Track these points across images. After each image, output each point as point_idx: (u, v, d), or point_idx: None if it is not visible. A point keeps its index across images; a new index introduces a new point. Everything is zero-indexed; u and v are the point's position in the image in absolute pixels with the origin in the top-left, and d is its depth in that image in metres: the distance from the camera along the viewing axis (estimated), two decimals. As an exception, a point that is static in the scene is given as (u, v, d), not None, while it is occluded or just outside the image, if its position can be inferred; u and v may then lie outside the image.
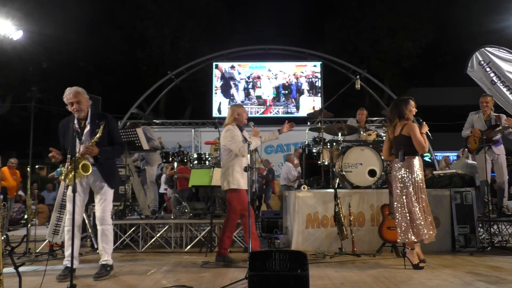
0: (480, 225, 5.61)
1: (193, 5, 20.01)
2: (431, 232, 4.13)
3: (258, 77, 13.44)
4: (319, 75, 13.38)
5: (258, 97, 13.37)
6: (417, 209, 4.13)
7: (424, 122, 4.33)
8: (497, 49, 6.31)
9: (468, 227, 5.29)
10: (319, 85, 13.26)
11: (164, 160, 6.60)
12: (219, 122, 11.30)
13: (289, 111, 13.35)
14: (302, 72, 13.43)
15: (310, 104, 12.99)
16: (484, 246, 5.24)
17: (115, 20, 19.50)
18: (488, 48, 6.37)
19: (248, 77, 13.50)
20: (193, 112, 20.90)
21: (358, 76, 6.79)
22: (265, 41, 14.37)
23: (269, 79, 13.38)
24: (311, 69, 13.40)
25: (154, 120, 13.73)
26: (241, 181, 4.44)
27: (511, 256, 4.85)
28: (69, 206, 3.96)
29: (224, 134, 4.55)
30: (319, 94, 13.21)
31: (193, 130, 12.87)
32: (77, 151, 3.91)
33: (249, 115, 12.78)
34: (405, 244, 4.25)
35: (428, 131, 4.30)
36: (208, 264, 4.50)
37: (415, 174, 4.20)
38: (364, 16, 21.12)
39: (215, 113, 13.43)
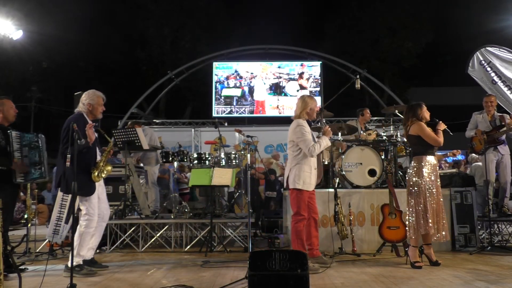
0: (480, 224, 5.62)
1: (193, 5, 20.00)
2: (438, 235, 4.18)
3: (227, 77, 13.51)
4: (285, 76, 13.47)
5: (226, 97, 13.43)
6: (425, 209, 4.20)
7: (441, 121, 4.40)
8: (497, 48, 6.31)
9: (468, 226, 5.29)
10: (283, 85, 13.40)
11: (164, 160, 6.59)
12: (219, 122, 11.37)
13: (254, 109, 13.44)
14: (267, 73, 13.53)
15: (274, 103, 13.19)
16: (484, 246, 5.24)
17: (115, 20, 19.50)
18: (488, 48, 6.37)
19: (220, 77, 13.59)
20: (193, 112, 20.90)
21: (358, 76, 6.78)
22: (265, 41, 14.38)
23: (262, 80, 13.47)
24: (275, 69, 13.50)
25: (154, 120, 13.72)
26: (307, 181, 4.21)
27: (511, 256, 4.85)
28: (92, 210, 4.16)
29: (294, 129, 4.27)
30: (283, 94, 13.31)
31: (193, 130, 12.85)
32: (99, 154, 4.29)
33: (216, 115, 13.05)
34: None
35: (447, 128, 4.42)
36: (208, 264, 4.50)
37: (422, 175, 4.26)
38: (364, 16, 21.12)
39: (214, 113, 13.43)
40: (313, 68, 13.52)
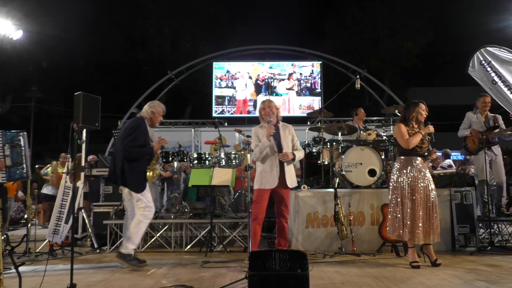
0: (480, 224, 5.61)
1: (193, 5, 20.02)
2: (409, 235, 4.11)
3: (215, 77, 13.59)
4: (276, 76, 13.53)
5: (218, 97, 13.49)
6: (398, 210, 4.18)
7: (431, 126, 4.31)
8: (497, 48, 6.31)
9: (468, 226, 5.29)
10: (275, 85, 13.49)
11: (164, 160, 6.59)
12: (219, 122, 11.37)
13: (247, 109, 13.56)
14: (259, 73, 13.59)
15: None
16: (484, 246, 5.24)
17: (115, 20, 19.53)
18: (489, 48, 6.36)
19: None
20: (193, 112, 20.93)
21: (358, 76, 6.79)
22: (265, 41, 14.41)
23: (244, 79, 13.55)
24: (267, 70, 13.56)
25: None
26: (263, 181, 4.42)
27: (511, 256, 4.85)
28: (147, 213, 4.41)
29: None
30: (275, 93, 13.37)
31: (193, 129, 12.87)
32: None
33: (216, 115, 13.05)
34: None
35: (432, 134, 4.31)
36: (208, 264, 4.50)
37: (400, 176, 4.22)
38: (364, 16, 21.14)
39: (214, 113, 13.46)
40: (304, 69, 13.56)
